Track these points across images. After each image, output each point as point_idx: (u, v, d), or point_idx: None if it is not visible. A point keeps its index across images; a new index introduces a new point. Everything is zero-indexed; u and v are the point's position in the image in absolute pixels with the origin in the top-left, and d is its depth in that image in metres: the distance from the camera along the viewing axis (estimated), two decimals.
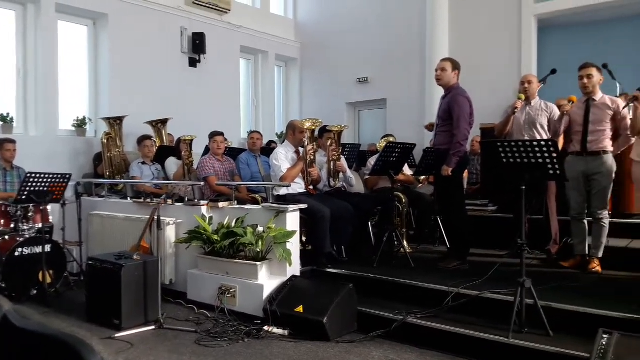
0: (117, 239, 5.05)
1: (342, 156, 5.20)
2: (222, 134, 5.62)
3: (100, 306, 3.96)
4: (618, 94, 4.99)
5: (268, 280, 4.04)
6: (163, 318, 3.89)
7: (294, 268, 4.18)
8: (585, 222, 4.27)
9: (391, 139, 5.63)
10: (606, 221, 4.14)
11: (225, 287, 4.09)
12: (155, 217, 4.05)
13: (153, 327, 3.83)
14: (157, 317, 3.88)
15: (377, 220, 5.36)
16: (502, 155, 3.33)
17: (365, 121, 9.70)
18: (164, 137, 6.81)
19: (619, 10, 7.11)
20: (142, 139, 6.00)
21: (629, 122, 4.05)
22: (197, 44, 7.86)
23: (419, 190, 5.95)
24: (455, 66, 4.45)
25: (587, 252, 4.26)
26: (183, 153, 5.53)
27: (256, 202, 4.96)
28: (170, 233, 4.70)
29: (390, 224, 4.78)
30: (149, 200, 5.13)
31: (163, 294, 4.06)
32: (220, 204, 4.63)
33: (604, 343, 2.59)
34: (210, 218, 4.52)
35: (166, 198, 4.89)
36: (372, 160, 5.54)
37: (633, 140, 4.04)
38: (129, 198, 5.51)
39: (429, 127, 5.10)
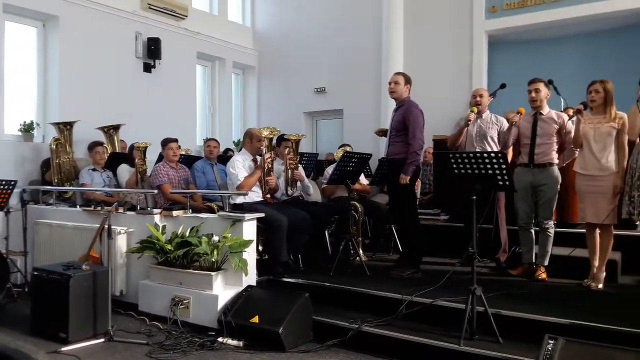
0: (65, 248, 4.86)
1: (299, 165, 5.21)
2: (176, 140, 5.52)
3: (46, 319, 3.79)
4: (562, 109, 5.23)
5: (223, 291, 3.99)
6: (113, 330, 3.76)
7: (250, 278, 4.15)
8: (532, 231, 4.45)
9: (348, 149, 5.70)
10: (552, 230, 4.33)
11: (179, 297, 4.01)
12: (106, 226, 3.93)
13: (102, 340, 3.70)
14: (106, 329, 3.75)
15: (333, 229, 5.40)
16: (454, 166, 3.44)
17: (322, 130, 9.77)
18: (116, 144, 6.63)
19: (562, 29, 7.49)
20: (93, 145, 5.81)
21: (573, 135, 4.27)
22: (152, 49, 7.71)
23: (375, 199, 6.03)
24: (407, 80, 4.62)
25: (534, 261, 4.43)
26: (136, 160, 5.39)
27: (212, 211, 4.89)
28: (122, 242, 4.56)
29: (347, 233, 4.83)
30: (99, 208, 4.96)
31: (113, 306, 3.93)
32: (174, 213, 4.54)
33: (550, 348, 2.69)
34: (164, 227, 4.42)
35: (117, 206, 4.75)
36: (329, 170, 5.58)
37: (577, 153, 4.25)
38: (78, 206, 5.31)
39: (379, 133, 5.23)
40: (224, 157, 6.26)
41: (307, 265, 4.80)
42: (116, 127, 6.63)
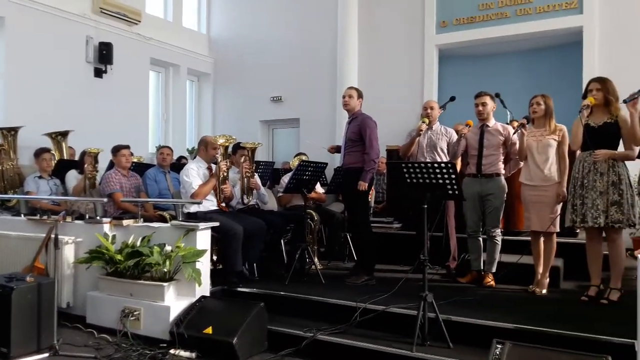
0: (8, 259, 4.63)
1: (255, 173, 5.20)
2: (128, 147, 5.39)
3: None
4: (509, 121, 5.47)
5: (175, 302, 3.91)
6: (58, 344, 3.62)
7: (204, 288, 4.08)
8: (481, 239, 4.61)
9: (304, 158, 5.74)
10: (499, 238, 4.50)
11: (129, 309, 3.90)
12: (52, 236, 3.79)
13: (47, 355, 3.54)
14: (51, 343, 3.59)
15: (289, 238, 5.41)
16: (407, 175, 3.53)
17: (279, 139, 9.79)
18: (64, 151, 6.40)
19: (507, 45, 7.85)
20: (40, 152, 5.59)
21: (517, 147, 4.47)
22: (104, 54, 7.53)
23: (330, 208, 6.09)
24: (360, 95, 4.81)
25: (482, 268, 4.58)
26: (86, 166, 5.23)
27: (164, 220, 4.80)
28: (69, 253, 4.39)
29: (303, 241, 4.85)
30: (45, 217, 4.77)
31: (60, 318, 3.78)
32: (125, 222, 4.42)
33: (498, 353, 2.79)
34: (114, 237, 4.30)
35: (65, 215, 4.57)
36: (285, 178, 5.60)
37: (521, 164, 4.45)
38: (22, 215, 5.09)
39: (331, 150, 5.32)
40: (178, 165, 6.16)
41: (263, 275, 4.78)
42: (64, 134, 6.41)
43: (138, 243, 4.10)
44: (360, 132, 4.61)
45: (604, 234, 3.93)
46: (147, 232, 4.20)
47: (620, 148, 3.86)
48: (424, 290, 3.35)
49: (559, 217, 4.16)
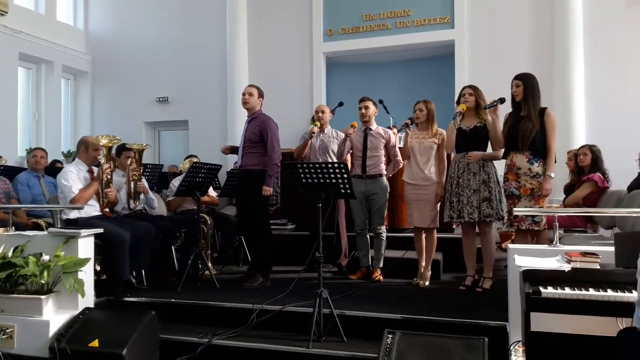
0: None
1: (143, 177, 4.95)
2: None
3: None
4: (390, 126, 5.81)
5: (55, 316, 3.59)
6: None
7: (87, 299, 3.79)
8: (368, 236, 4.85)
9: (195, 160, 5.59)
10: (384, 235, 4.76)
11: (0, 327, 3.51)
12: None
13: None
14: None
15: (180, 244, 5.22)
16: (302, 175, 3.62)
17: (165, 142, 9.41)
18: None
19: (389, 54, 8.35)
20: None
21: (397, 149, 4.78)
22: None
23: (224, 211, 6.00)
24: (261, 94, 4.73)
25: (370, 264, 4.82)
26: None
27: (39, 228, 4.40)
28: None
29: (195, 246, 4.72)
30: None
31: None
32: None
33: (389, 342, 2.94)
34: None
35: None
36: (175, 182, 5.42)
37: (401, 164, 4.77)
38: None
39: (225, 151, 5.22)
40: (52, 169, 5.68)
41: (153, 283, 4.55)
42: None
43: (10, 254, 3.70)
44: (260, 132, 4.53)
45: (477, 229, 4.33)
46: (21, 242, 3.80)
47: (489, 149, 4.30)
48: (320, 287, 3.44)
49: (438, 214, 4.51)
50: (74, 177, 4.28)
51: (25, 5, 8.14)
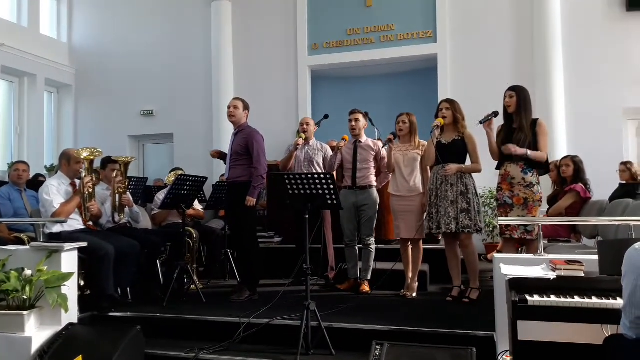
0: None
1: (128, 190, 4.90)
2: None
3: None
4: (376, 138, 5.86)
5: (38, 332, 3.51)
6: None
7: (71, 315, 3.72)
8: (357, 248, 4.85)
9: (180, 172, 5.54)
10: (373, 247, 4.77)
11: None
12: None
13: None
14: None
15: (165, 258, 5.16)
16: (289, 187, 3.62)
17: (150, 155, 9.34)
18: None
19: (374, 68, 8.45)
20: None
21: (386, 161, 4.81)
22: None
23: (209, 225, 5.95)
24: (246, 107, 4.74)
25: (358, 275, 4.81)
26: None
27: (22, 242, 4.32)
28: None
29: (181, 260, 4.67)
30: None
31: None
32: None
33: (377, 353, 2.94)
34: None
35: None
36: (160, 195, 5.38)
37: (390, 176, 4.79)
38: None
39: (214, 155, 5.23)
40: (35, 183, 5.60)
41: (138, 298, 4.50)
42: None
43: None
44: (247, 145, 4.53)
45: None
46: (2, 256, 3.73)
47: (468, 161, 4.35)
48: (307, 299, 3.42)
49: (424, 225, 4.53)
50: (55, 191, 4.22)
51: (8, 18, 8.09)
